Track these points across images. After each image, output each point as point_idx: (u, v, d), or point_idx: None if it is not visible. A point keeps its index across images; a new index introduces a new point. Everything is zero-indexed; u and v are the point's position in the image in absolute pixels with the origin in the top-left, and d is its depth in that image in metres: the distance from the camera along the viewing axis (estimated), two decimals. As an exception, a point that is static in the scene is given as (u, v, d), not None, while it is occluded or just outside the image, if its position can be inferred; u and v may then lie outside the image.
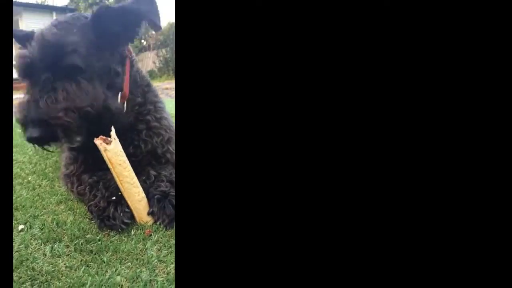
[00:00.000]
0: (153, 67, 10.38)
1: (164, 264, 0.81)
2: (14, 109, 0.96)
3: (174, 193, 1.05)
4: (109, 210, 0.99)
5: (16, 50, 1.06)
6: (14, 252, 0.87)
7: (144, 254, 0.85)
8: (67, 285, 0.75)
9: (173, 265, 0.80)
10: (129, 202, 1.01)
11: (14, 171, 1.51)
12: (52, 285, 0.75)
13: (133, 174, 1.00)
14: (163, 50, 10.19)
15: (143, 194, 1.03)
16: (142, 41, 11.64)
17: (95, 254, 0.86)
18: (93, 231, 0.97)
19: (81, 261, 0.83)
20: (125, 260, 0.83)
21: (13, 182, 1.34)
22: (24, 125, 0.95)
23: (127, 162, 0.98)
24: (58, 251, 0.87)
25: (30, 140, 0.94)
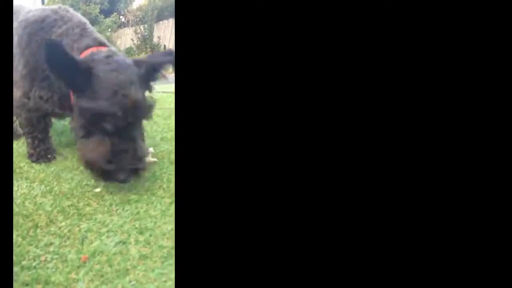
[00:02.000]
0: (131, 44, 10.07)
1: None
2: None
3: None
4: None
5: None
6: None
7: None
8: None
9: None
10: None
11: None
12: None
13: None
14: (141, 27, 9.82)
15: None
16: (121, 17, 11.22)
17: (26, 286, 0.75)
18: (30, 256, 0.84)
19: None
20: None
21: None
22: None
23: None
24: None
25: None
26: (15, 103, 1.31)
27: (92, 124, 1.06)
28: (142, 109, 1.10)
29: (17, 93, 1.30)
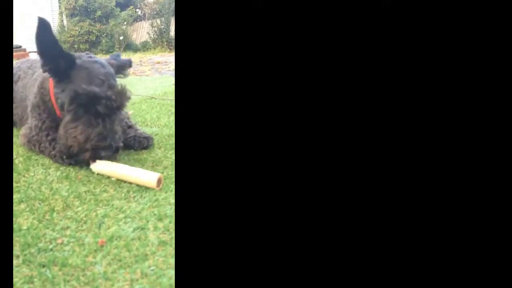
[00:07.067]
0: (147, 38, 10.05)
1: (110, 282, 0.68)
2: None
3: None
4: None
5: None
6: None
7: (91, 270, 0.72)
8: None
9: (120, 283, 0.69)
10: None
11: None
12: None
13: None
14: (158, 21, 9.76)
15: None
16: (137, 10, 11.20)
17: (43, 267, 0.73)
18: (46, 239, 0.82)
19: (25, 276, 0.70)
20: (71, 276, 0.70)
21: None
22: None
23: None
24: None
25: None
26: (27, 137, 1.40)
27: (83, 107, 1.15)
28: (126, 97, 1.23)
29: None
